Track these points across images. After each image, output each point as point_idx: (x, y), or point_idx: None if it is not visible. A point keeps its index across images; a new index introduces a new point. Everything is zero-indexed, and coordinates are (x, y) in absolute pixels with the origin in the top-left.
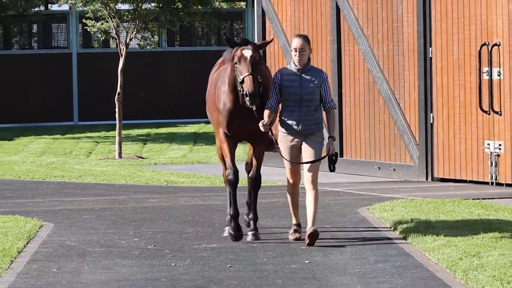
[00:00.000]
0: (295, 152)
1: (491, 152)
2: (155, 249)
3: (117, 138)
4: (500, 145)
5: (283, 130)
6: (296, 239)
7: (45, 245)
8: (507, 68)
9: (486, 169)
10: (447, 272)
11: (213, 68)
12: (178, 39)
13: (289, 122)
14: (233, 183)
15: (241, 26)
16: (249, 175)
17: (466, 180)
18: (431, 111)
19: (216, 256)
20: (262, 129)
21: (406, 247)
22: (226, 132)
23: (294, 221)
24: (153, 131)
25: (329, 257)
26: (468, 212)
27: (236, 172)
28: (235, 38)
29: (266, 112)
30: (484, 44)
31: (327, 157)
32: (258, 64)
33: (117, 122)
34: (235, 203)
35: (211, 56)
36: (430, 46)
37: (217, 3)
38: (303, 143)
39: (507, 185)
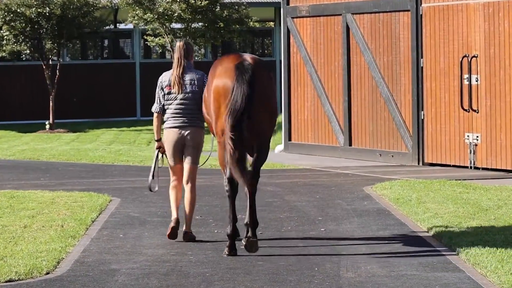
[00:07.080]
0: None
1: (470, 142)
2: (201, 219)
3: None
4: (477, 136)
5: None
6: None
7: (114, 215)
8: (483, 75)
9: (466, 156)
10: (435, 238)
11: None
12: (220, 51)
13: None
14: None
15: (270, 41)
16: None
17: (450, 165)
18: (422, 109)
19: None
20: None
21: (402, 218)
22: None
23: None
24: None
25: (340, 226)
26: (452, 190)
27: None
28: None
29: None
30: (465, 56)
31: None
32: None
33: None
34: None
35: None
36: (422, 57)
37: (251, 23)
38: None
39: (483, 169)
